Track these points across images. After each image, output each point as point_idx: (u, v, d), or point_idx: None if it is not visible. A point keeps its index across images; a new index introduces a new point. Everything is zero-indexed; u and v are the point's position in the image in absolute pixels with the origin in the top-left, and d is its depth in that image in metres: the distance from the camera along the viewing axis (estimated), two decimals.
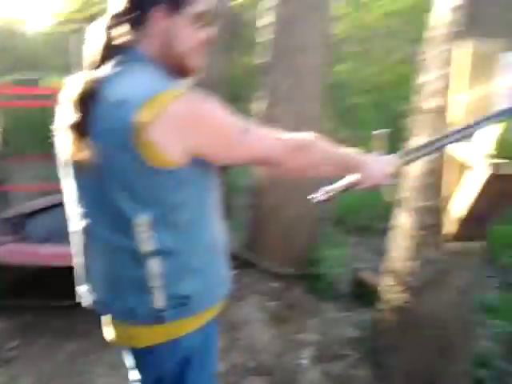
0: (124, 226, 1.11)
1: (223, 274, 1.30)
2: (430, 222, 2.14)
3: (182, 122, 1.05)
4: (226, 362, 2.44)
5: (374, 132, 1.51)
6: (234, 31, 6.03)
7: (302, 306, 3.04)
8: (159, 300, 1.14)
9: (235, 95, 5.06)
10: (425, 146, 1.57)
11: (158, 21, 1.12)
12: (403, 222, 2.28)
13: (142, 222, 1.09)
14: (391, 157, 1.45)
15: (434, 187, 2.09)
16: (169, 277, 1.13)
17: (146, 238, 1.10)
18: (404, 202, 2.26)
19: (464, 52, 1.89)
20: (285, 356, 2.53)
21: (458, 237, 2.06)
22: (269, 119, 3.30)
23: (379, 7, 5.17)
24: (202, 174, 1.17)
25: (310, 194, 1.60)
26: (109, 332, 1.29)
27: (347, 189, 1.47)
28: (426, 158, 1.96)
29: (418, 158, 1.57)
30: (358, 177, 1.41)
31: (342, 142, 1.43)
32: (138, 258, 1.12)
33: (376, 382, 2.37)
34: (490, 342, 2.89)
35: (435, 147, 1.58)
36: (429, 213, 2.14)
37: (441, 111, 2.05)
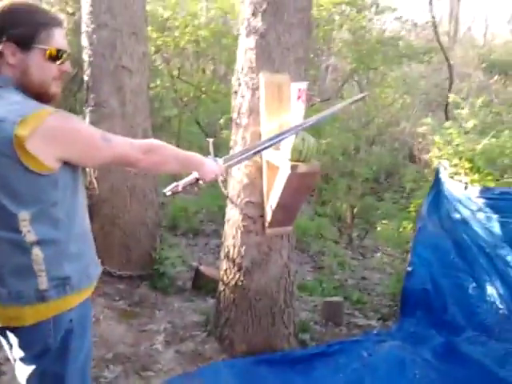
0: (8, 220, 1.33)
1: (94, 257, 1.60)
2: (252, 213, 2.70)
3: (55, 135, 1.31)
4: None
5: (208, 139, 1.94)
6: None
7: (148, 301, 3.35)
8: (43, 282, 1.38)
9: None
10: (243, 151, 2.06)
11: (12, 54, 1.37)
12: (232, 215, 2.79)
13: (25, 217, 1.33)
14: (219, 159, 1.84)
15: (254, 186, 2.64)
16: (51, 262, 1.39)
17: (28, 231, 1.34)
18: (232, 199, 2.76)
19: (261, 82, 2.49)
20: (139, 345, 2.81)
21: (272, 224, 2.65)
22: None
23: (189, 34, 5.75)
24: (72, 177, 1.43)
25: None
26: None
27: (191, 184, 1.84)
28: (246, 161, 2.49)
29: (239, 161, 2.06)
30: (197, 174, 1.77)
31: None
32: (23, 248, 1.35)
33: (222, 353, 2.82)
34: (308, 313, 3.63)
35: (252, 152, 2.09)
36: (251, 206, 2.69)
37: (253, 126, 2.61)
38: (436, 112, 9.47)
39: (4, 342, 1.52)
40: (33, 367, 1.49)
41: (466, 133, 3.54)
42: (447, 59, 6.02)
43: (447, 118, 5.82)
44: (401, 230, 5.38)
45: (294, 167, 2.29)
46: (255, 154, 2.13)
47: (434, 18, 6.16)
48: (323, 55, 8.28)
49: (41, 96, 1.41)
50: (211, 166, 1.77)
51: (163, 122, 6.95)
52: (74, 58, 6.43)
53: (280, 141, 2.22)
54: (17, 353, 1.50)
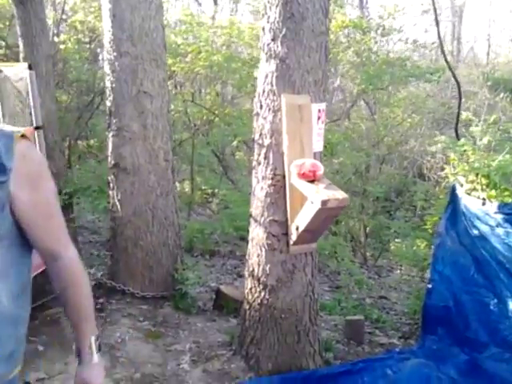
0: None
1: None
2: (277, 232, 2.74)
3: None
4: (111, 379, 2.62)
5: None
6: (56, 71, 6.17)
7: (171, 321, 3.38)
8: None
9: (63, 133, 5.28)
10: None
11: None
12: (256, 233, 2.84)
13: None
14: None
15: (277, 205, 2.69)
16: None
17: None
18: (255, 218, 2.81)
19: (282, 104, 2.57)
20: (166, 364, 2.83)
21: (297, 243, 2.69)
22: (121, 156, 3.63)
23: (203, 59, 5.91)
24: None
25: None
26: None
27: None
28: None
29: None
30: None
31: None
32: None
33: (249, 371, 2.84)
34: (329, 332, 3.64)
35: None
36: (275, 225, 2.73)
37: (276, 146, 2.68)
38: (443, 130, 9.55)
39: None
40: None
41: (481, 150, 3.59)
42: (455, 78, 6.11)
43: (457, 136, 5.86)
44: (415, 248, 5.39)
45: (324, 202, 2.33)
46: None
47: (440, 38, 6.27)
48: (330, 77, 8.41)
49: None
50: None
51: (175, 145, 7.08)
52: (89, 85, 6.61)
53: None
54: None
